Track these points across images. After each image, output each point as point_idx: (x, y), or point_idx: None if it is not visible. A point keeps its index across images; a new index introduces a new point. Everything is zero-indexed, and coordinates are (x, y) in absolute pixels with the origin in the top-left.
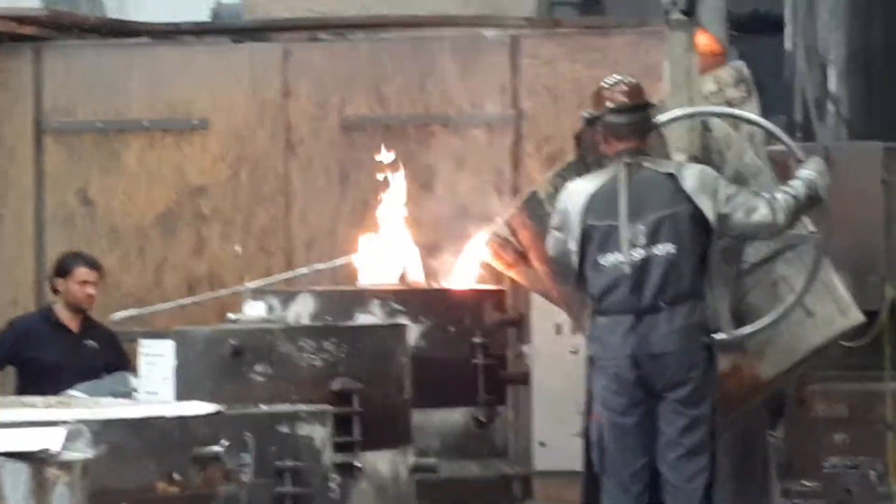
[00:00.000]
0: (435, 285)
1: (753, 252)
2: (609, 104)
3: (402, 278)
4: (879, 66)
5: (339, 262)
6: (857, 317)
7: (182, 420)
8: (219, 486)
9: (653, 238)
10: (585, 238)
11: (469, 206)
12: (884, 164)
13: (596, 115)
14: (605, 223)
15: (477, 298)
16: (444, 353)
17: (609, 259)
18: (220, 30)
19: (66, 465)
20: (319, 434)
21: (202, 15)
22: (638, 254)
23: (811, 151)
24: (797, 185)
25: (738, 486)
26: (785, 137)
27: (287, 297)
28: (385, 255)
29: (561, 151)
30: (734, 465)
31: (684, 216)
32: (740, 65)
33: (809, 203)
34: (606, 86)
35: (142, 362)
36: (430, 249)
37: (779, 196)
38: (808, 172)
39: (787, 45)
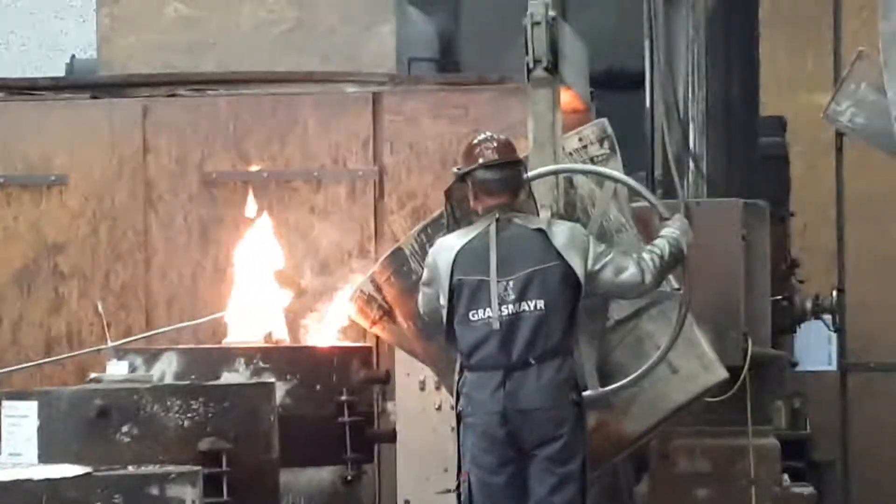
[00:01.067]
0: (300, 343)
1: (618, 309)
2: (480, 160)
3: (267, 336)
4: (738, 122)
5: (204, 319)
6: (720, 373)
7: (51, 483)
8: None
9: (522, 294)
10: (455, 293)
11: (332, 263)
12: (744, 220)
13: (466, 170)
14: (475, 278)
15: (343, 356)
16: (311, 411)
17: (479, 315)
18: (78, 85)
19: None
20: (189, 495)
21: (58, 70)
22: (507, 310)
23: (672, 208)
24: (662, 245)
25: None
26: (648, 194)
27: (150, 355)
28: (249, 313)
29: (424, 207)
30: None
31: (554, 273)
32: (603, 122)
33: (674, 262)
34: (476, 142)
35: (4, 423)
36: (293, 307)
37: (646, 256)
38: (672, 231)
39: (647, 101)
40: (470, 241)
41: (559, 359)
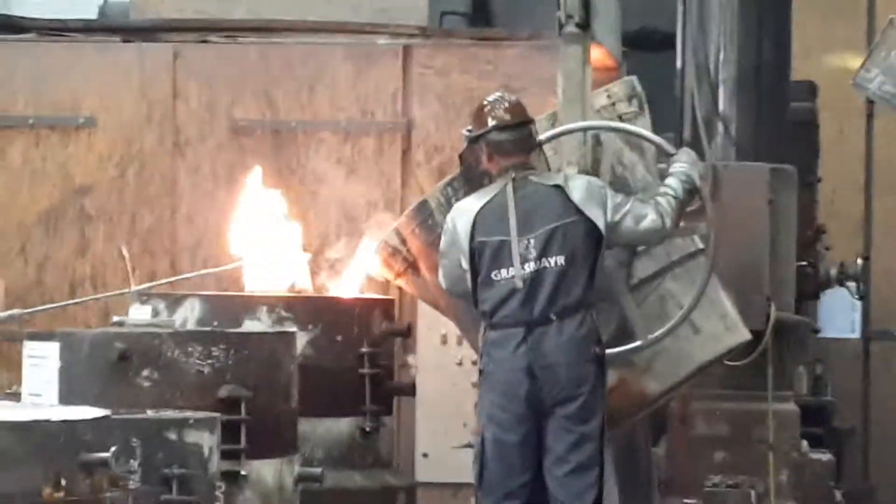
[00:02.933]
0: (323, 293)
1: (642, 268)
2: (491, 121)
3: (291, 285)
4: (769, 86)
5: (227, 266)
6: (743, 334)
7: (70, 424)
8: (105, 493)
9: (544, 251)
10: (476, 255)
11: (358, 214)
12: (771, 184)
13: (479, 133)
14: (496, 238)
15: (365, 307)
16: (331, 362)
17: (501, 274)
18: (109, 28)
19: None
20: (207, 441)
21: (89, 13)
22: (529, 267)
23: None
24: (675, 184)
25: (620, 502)
26: (671, 148)
27: (173, 301)
28: (273, 262)
29: (451, 161)
30: (617, 481)
31: (574, 228)
32: (632, 80)
33: (689, 197)
34: (487, 103)
35: (26, 364)
36: (318, 257)
37: (661, 200)
38: (681, 165)
39: (678, 62)
40: (488, 202)
41: (580, 314)
